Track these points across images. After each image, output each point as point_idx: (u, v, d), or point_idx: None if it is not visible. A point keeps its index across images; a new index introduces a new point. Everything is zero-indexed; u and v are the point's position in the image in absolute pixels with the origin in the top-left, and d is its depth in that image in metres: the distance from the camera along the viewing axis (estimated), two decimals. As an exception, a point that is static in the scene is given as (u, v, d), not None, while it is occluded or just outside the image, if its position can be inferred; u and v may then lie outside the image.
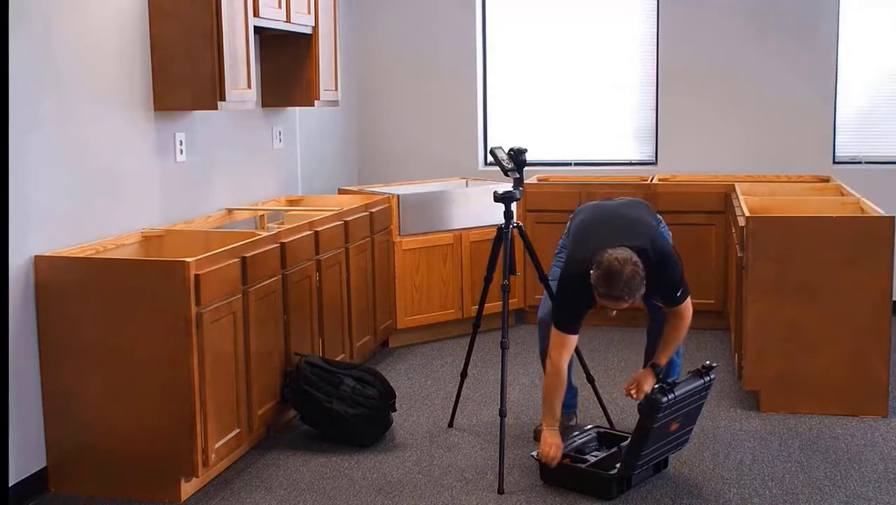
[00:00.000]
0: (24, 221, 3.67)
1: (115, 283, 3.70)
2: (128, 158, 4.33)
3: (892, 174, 6.58)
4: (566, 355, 3.89)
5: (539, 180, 6.65)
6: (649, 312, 4.25)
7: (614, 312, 3.78)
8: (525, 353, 5.76)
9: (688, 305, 3.97)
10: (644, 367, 4.15)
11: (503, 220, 4.25)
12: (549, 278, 4.21)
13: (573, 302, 3.84)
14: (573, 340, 3.89)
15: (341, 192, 6.20)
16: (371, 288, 5.49)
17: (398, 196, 5.82)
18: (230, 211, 5.14)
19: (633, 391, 3.99)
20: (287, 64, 5.47)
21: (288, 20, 5.05)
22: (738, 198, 5.44)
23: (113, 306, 3.70)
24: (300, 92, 5.49)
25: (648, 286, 3.68)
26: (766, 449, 4.21)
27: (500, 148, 4.34)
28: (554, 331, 3.87)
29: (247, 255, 4.08)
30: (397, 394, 4.67)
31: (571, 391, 4.34)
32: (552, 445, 3.81)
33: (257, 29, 4.82)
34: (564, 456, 3.87)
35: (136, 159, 4.39)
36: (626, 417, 4.52)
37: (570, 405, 4.36)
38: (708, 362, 3.85)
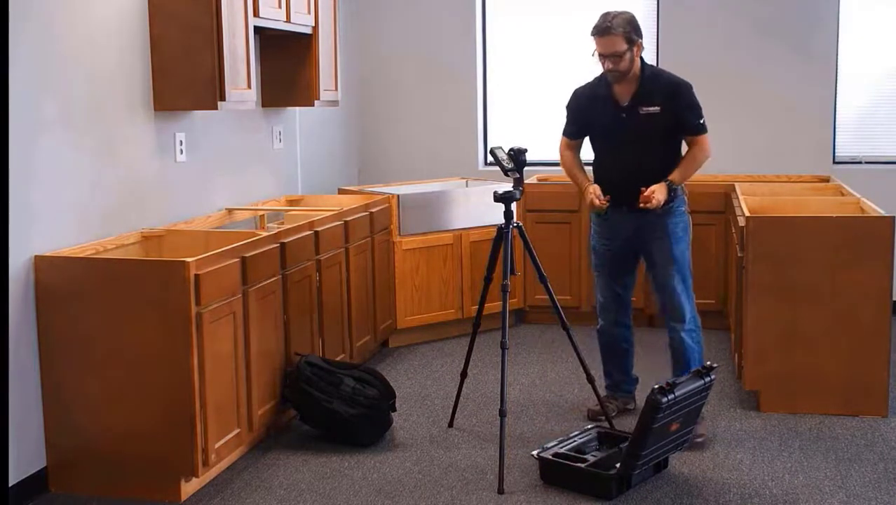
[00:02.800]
0: (24, 221, 3.67)
1: (115, 283, 3.70)
2: (128, 158, 4.33)
3: (892, 174, 6.58)
4: (566, 151, 4.61)
5: (539, 180, 6.65)
6: (657, 296, 4.57)
7: (608, 65, 4.20)
8: (525, 353, 5.76)
9: (707, 142, 4.32)
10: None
11: (503, 220, 4.25)
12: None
13: (570, 112, 4.57)
14: (572, 142, 4.59)
15: (341, 192, 6.20)
16: (371, 288, 5.49)
17: (398, 196, 5.82)
18: (230, 211, 5.14)
19: (646, 194, 4.20)
20: (287, 64, 5.47)
21: (288, 20, 5.05)
22: (737, 198, 5.44)
23: (113, 306, 3.70)
24: (300, 92, 5.49)
25: (667, 104, 4.22)
26: (766, 449, 4.21)
27: (500, 148, 4.34)
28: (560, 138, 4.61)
29: (247, 255, 4.08)
30: (397, 394, 4.67)
31: (630, 379, 4.72)
32: (594, 190, 4.36)
33: (257, 29, 4.82)
34: (565, 456, 3.88)
35: (136, 159, 4.39)
36: (626, 417, 4.52)
37: (628, 390, 4.71)
38: (708, 362, 3.86)
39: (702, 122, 4.29)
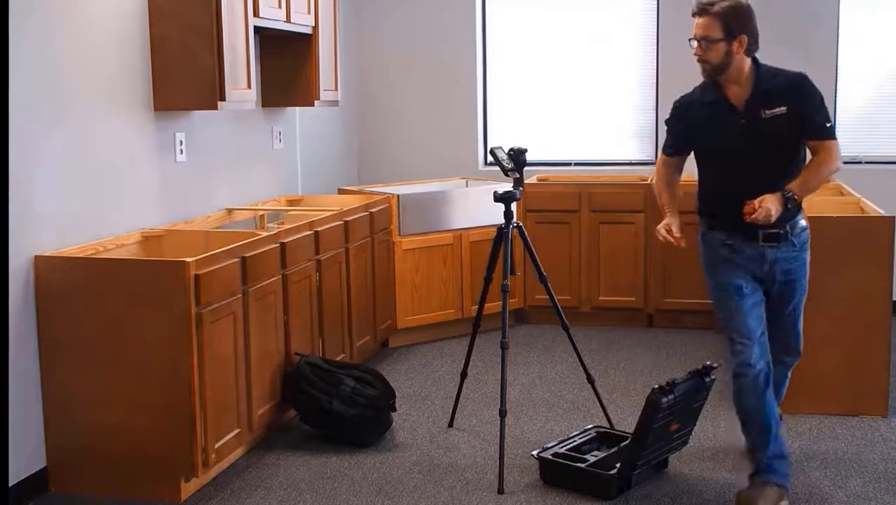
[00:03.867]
0: (24, 221, 3.67)
1: (115, 283, 3.70)
2: (128, 158, 4.33)
3: (892, 174, 6.58)
4: (662, 168, 3.98)
5: (539, 180, 6.65)
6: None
7: (697, 51, 3.62)
8: (525, 353, 5.76)
9: (836, 150, 3.59)
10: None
11: (503, 220, 4.25)
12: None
13: (670, 126, 3.91)
14: (670, 160, 3.95)
15: (341, 192, 6.20)
16: (371, 288, 5.49)
17: (398, 196, 5.82)
18: (230, 211, 5.14)
19: (753, 205, 3.47)
20: (287, 64, 5.47)
21: (288, 20, 5.05)
22: (738, 198, 5.44)
23: (113, 306, 3.70)
24: (300, 92, 5.49)
25: (792, 104, 3.59)
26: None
27: (500, 148, 4.34)
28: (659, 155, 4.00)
29: (247, 255, 4.08)
30: (397, 394, 4.67)
31: (784, 460, 3.70)
32: (666, 225, 3.83)
33: (257, 29, 4.82)
34: (565, 456, 3.88)
35: (136, 159, 4.39)
36: (626, 417, 4.52)
37: (783, 474, 3.66)
38: (708, 363, 3.85)
39: (829, 125, 3.63)
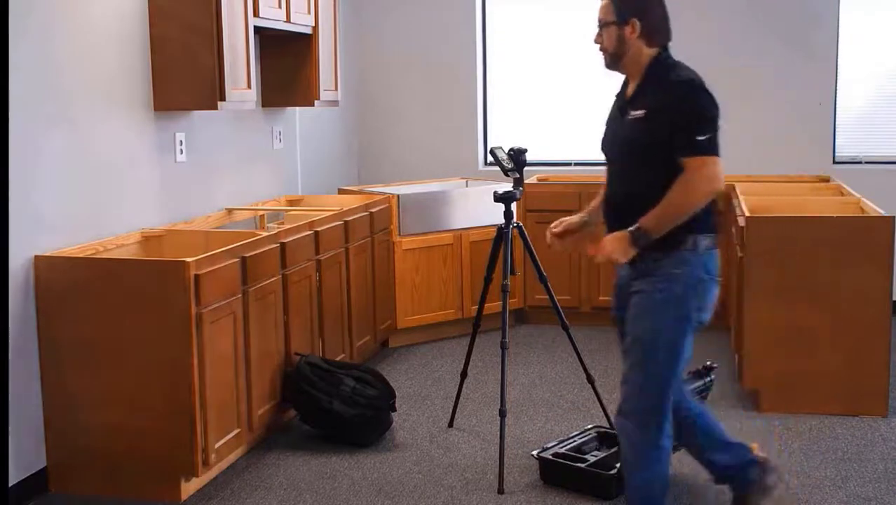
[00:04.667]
0: (24, 221, 3.67)
1: (115, 283, 3.70)
2: (128, 158, 4.33)
3: (892, 174, 6.58)
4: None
5: (539, 180, 6.65)
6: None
7: (597, 42, 3.23)
8: (525, 353, 5.76)
9: (705, 168, 2.97)
10: None
11: (503, 220, 4.25)
12: None
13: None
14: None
15: (341, 192, 6.20)
16: (371, 288, 5.49)
17: (398, 196, 5.82)
18: (230, 211, 5.14)
19: (594, 247, 3.13)
20: (287, 64, 5.47)
21: (288, 20, 5.05)
22: (737, 198, 5.44)
23: (113, 306, 3.69)
24: (300, 92, 5.49)
25: (655, 109, 3.08)
26: (766, 449, 4.21)
27: (500, 148, 4.34)
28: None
29: (247, 255, 4.08)
30: (397, 394, 4.67)
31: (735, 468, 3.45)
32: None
33: (257, 29, 4.82)
34: (565, 456, 3.88)
35: (136, 159, 4.39)
36: (626, 417, 4.52)
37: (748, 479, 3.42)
38: (708, 363, 3.85)
39: (702, 139, 2.98)
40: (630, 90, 3.24)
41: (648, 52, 3.18)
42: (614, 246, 3.04)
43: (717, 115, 3.06)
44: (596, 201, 3.43)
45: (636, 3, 3.16)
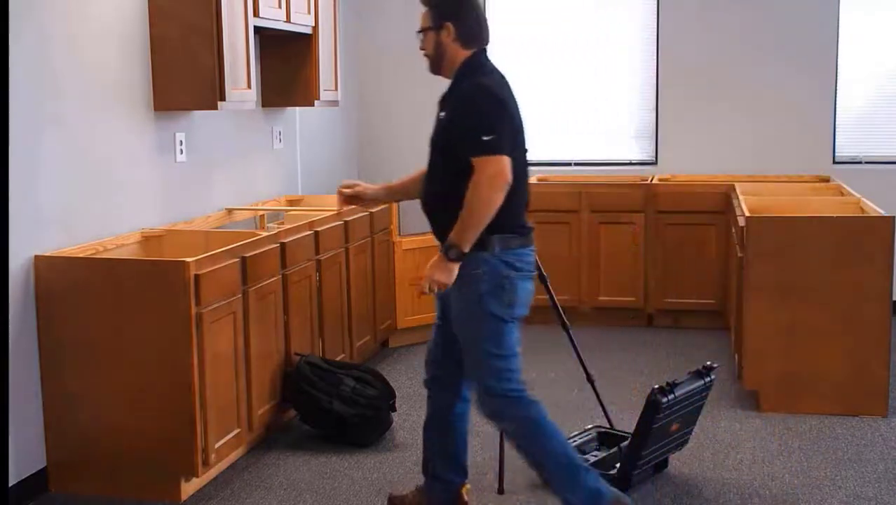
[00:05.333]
0: (24, 221, 3.67)
1: (115, 283, 3.70)
2: (128, 159, 4.33)
3: (892, 174, 6.58)
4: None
5: (539, 180, 6.65)
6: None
7: (421, 49, 3.38)
8: (525, 353, 5.73)
9: (493, 167, 3.06)
10: None
11: (503, 220, 4.24)
12: None
13: None
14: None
15: (341, 192, 6.19)
16: (371, 288, 5.49)
17: (398, 196, 5.81)
18: (230, 211, 5.14)
19: (420, 282, 3.24)
20: (287, 64, 5.46)
21: (288, 20, 5.05)
22: (737, 198, 5.44)
23: (113, 306, 3.69)
24: (300, 92, 5.48)
25: (451, 112, 3.24)
26: (766, 449, 4.21)
27: (500, 148, 4.32)
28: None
29: (247, 255, 4.08)
30: (397, 394, 4.66)
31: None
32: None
33: (257, 29, 4.82)
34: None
35: (136, 159, 4.39)
36: (626, 417, 4.52)
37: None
38: (708, 363, 3.86)
39: (488, 139, 3.06)
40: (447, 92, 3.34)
41: (463, 55, 3.28)
42: (435, 273, 3.14)
43: (504, 116, 3.15)
44: (398, 182, 3.61)
45: (450, 7, 3.26)
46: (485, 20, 3.32)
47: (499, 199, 3.08)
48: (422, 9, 3.33)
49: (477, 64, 3.28)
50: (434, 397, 3.61)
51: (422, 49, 3.36)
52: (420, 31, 3.32)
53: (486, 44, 3.32)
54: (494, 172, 3.06)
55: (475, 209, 3.07)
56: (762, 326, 4.62)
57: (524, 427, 3.29)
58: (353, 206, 3.57)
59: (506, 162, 3.08)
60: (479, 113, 3.13)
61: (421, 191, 3.42)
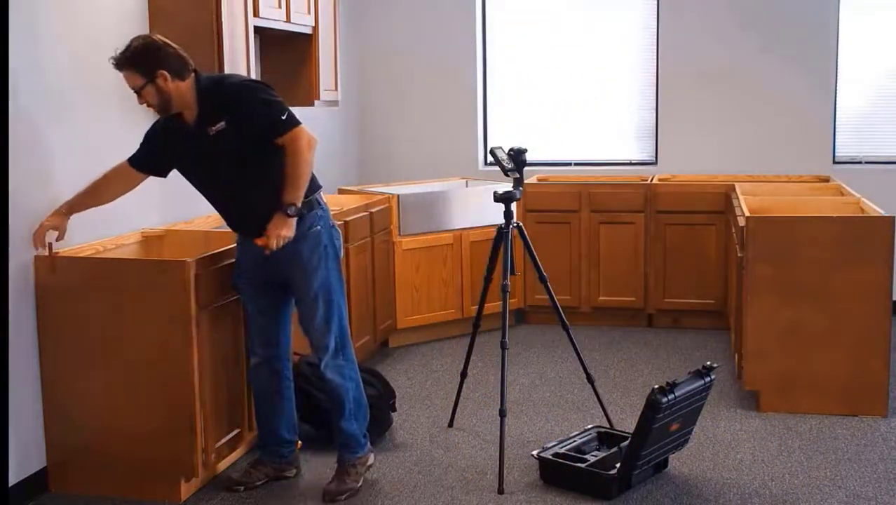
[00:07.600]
0: (24, 221, 3.66)
1: (115, 283, 3.69)
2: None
3: (892, 174, 6.58)
4: (116, 171, 3.83)
5: (539, 180, 6.65)
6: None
7: (140, 101, 3.59)
8: (525, 353, 5.76)
9: (300, 136, 3.55)
10: None
11: (503, 220, 4.25)
12: None
13: (147, 139, 3.79)
14: (130, 170, 3.80)
15: (341, 192, 6.20)
16: (371, 288, 5.49)
17: (398, 196, 5.82)
18: (230, 211, 5.13)
19: (264, 240, 3.54)
20: (287, 64, 5.46)
21: (288, 20, 5.05)
22: (738, 198, 5.44)
23: (113, 306, 3.69)
24: (300, 92, 5.48)
25: (233, 116, 3.54)
26: (766, 449, 4.21)
27: (500, 148, 4.34)
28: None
29: (247, 255, 4.07)
30: (397, 394, 4.67)
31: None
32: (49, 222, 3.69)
33: (257, 29, 4.82)
34: (565, 456, 3.88)
35: (136, 159, 4.38)
36: (626, 417, 4.52)
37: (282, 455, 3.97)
38: (708, 363, 3.86)
39: (284, 116, 3.56)
40: (190, 117, 3.61)
41: (186, 85, 3.57)
42: (278, 230, 3.52)
43: (275, 93, 3.66)
44: (75, 199, 3.76)
45: (153, 59, 3.52)
46: (180, 48, 3.59)
47: (313, 159, 3.58)
48: (127, 73, 3.54)
49: (205, 79, 3.63)
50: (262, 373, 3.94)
51: (143, 104, 3.59)
52: (137, 91, 3.54)
53: (193, 65, 3.61)
54: (308, 138, 3.56)
55: (303, 172, 3.53)
56: (762, 326, 4.62)
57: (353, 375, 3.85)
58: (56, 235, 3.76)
59: (307, 129, 3.59)
60: (261, 101, 3.57)
61: (232, 212, 3.76)
